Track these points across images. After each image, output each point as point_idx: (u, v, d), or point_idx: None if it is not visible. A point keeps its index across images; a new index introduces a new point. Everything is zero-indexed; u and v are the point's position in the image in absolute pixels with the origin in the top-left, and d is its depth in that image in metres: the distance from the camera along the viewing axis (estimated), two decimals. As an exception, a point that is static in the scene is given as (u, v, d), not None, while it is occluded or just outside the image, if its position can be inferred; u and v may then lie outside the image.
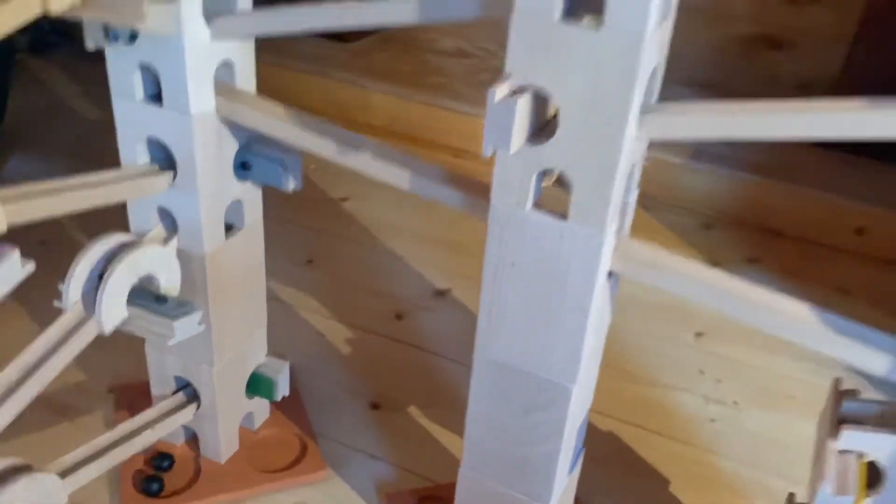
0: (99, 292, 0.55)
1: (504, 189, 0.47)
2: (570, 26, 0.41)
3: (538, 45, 0.42)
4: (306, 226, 1.11)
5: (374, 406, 0.82)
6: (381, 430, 0.79)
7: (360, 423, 0.79)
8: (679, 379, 0.90)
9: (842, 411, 0.48)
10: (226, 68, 0.57)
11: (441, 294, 1.01)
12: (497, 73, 1.06)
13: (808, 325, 0.45)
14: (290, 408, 0.78)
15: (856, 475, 0.45)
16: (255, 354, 0.72)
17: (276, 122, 0.55)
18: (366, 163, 0.54)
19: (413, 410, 0.82)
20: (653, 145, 1.35)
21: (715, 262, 1.14)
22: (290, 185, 0.61)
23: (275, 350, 0.75)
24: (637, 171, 0.49)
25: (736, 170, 1.22)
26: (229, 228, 0.63)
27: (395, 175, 0.53)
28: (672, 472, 0.77)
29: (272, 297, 0.94)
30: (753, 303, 0.46)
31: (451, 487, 0.64)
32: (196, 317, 0.59)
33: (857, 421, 0.47)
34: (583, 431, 0.59)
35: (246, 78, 0.58)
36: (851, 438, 0.46)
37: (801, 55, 1.35)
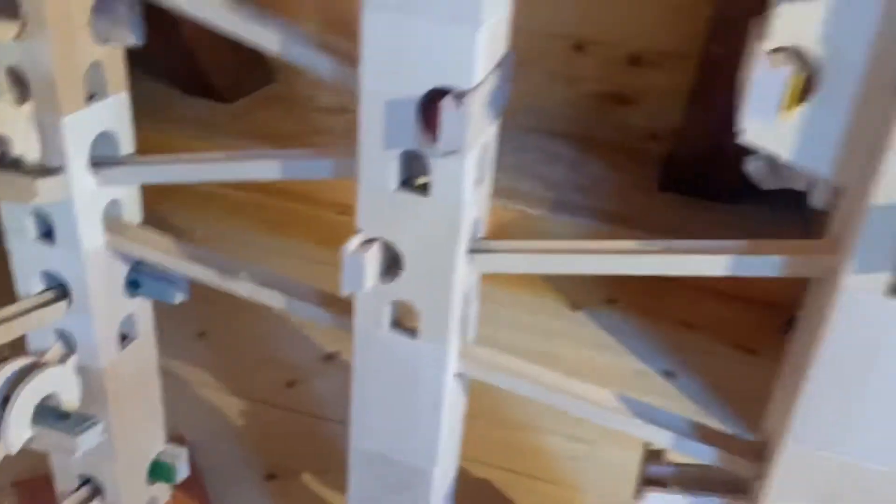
0: (5, 416, 0.60)
1: (363, 315, 0.56)
2: (404, 194, 0.51)
3: (381, 208, 0.51)
4: (198, 297, 1.16)
5: (270, 476, 0.89)
6: (277, 500, 0.86)
7: (257, 495, 0.86)
8: (544, 421, 1.02)
9: (647, 473, 0.59)
10: (113, 205, 0.63)
11: (330, 357, 1.09)
12: None
13: (613, 410, 0.57)
14: (190, 486, 0.84)
15: (654, 529, 0.57)
16: (154, 445, 0.78)
17: (161, 253, 0.62)
18: (245, 288, 0.61)
19: (307, 478, 0.90)
20: (514, 197, 1.46)
21: (577, 304, 1.28)
22: (178, 299, 0.68)
23: (171, 426, 0.81)
24: (474, 291, 0.59)
25: (591, 219, 1.36)
26: (124, 337, 0.70)
27: (272, 298, 0.61)
28: (538, 511, 0.88)
29: (166, 373, 0.99)
30: (569, 395, 0.57)
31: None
32: (98, 428, 0.65)
33: (659, 482, 0.58)
34: (450, 500, 0.69)
35: (132, 211, 0.65)
36: (652, 499, 0.57)
37: (646, 109, 1.51)
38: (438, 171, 0.49)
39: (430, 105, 0.47)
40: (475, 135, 0.47)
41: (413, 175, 0.52)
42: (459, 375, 0.60)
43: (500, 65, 0.49)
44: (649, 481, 0.58)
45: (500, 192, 1.59)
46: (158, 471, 0.78)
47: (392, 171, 0.50)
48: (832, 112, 0.42)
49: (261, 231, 1.37)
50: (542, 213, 1.37)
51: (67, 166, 0.56)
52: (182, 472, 0.79)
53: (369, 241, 0.53)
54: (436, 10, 0.45)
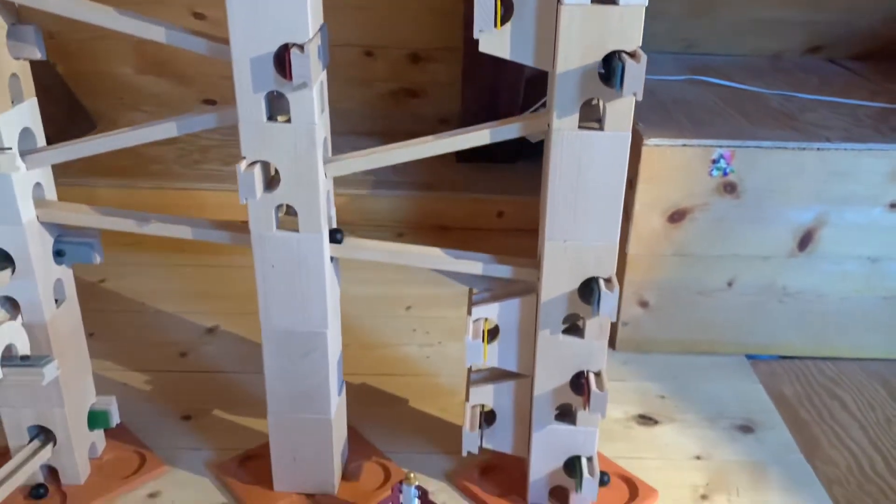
0: (-23, 363, 0.76)
1: (257, 221, 0.79)
2: (273, 124, 0.74)
3: (257, 136, 0.74)
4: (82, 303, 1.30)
5: (186, 417, 1.07)
6: (196, 432, 1.04)
7: (179, 432, 1.04)
8: (400, 338, 1.27)
9: (473, 299, 0.86)
10: (37, 188, 0.81)
11: (211, 331, 1.27)
12: (205, 152, 1.44)
13: (441, 257, 0.83)
14: (122, 436, 1.00)
15: (482, 330, 0.83)
16: (88, 396, 0.94)
17: (84, 216, 0.81)
18: (156, 227, 0.81)
19: (217, 412, 1.08)
20: (340, 185, 1.71)
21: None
22: (97, 259, 0.86)
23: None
24: (331, 195, 0.83)
25: (406, 190, 1.63)
26: (55, 301, 0.86)
27: (180, 231, 0.82)
28: (408, 394, 1.13)
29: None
30: (412, 254, 0.83)
31: (264, 447, 0.93)
32: (55, 363, 0.81)
33: (481, 302, 0.85)
34: (341, 367, 0.92)
35: (50, 191, 0.83)
36: (477, 311, 0.84)
37: (432, 99, 1.82)
38: (294, 103, 0.73)
39: (281, 58, 0.71)
40: (315, 72, 0.72)
41: (275, 115, 0.76)
42: (333, 259, 0.84)
43: (321, 29, 0.75)
44: (475, 303, 0.85)
45: (328, 179, 1.82)
46: (96, 418, 0.94)
47: (262, 108, 0.73)
48: (525, 23, 0.71)
49: (123, 250, 1.51)
50: (367, 193, 1.63)
51: (7, 152, 0.74)
52: (115, 417, 0.95)
53: (253, 163, 0.75)
54: (275, -6, 0.69)
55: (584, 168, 0.75)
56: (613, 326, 1.25)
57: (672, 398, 1.14)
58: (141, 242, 1.55)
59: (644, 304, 1.21)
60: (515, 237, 1.63)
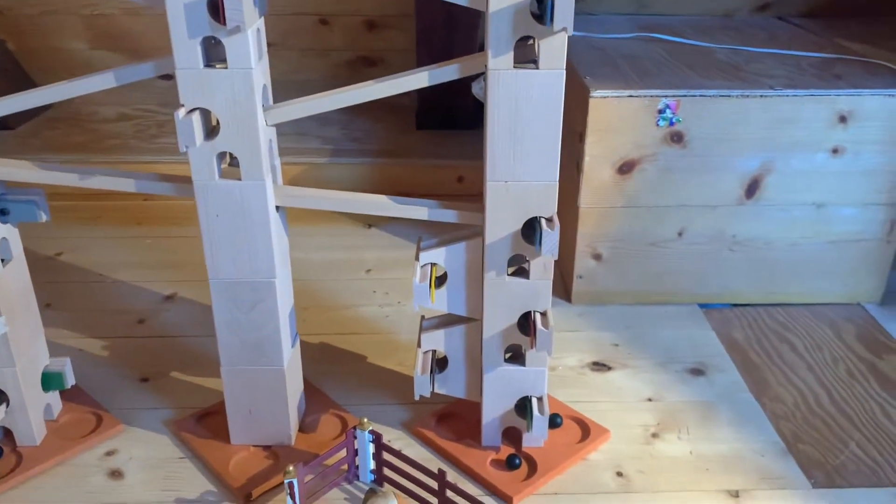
0: (-79, 320, 0.75)
1: (199, 170, 0.79)
2: (210, 70, 0.74)
3: (195, 83, 0.75)
4: (34, 281, 1.29)
5: (144, 380, 1.07)
6: (153, 393, 1.04)
7: (136, 393, 1.04)
8: (361, 300, 1.27)
9: (421, 246, 0.87)
10: (-24, 144, 0.81)
11: (169, 298, 1.27)
12: (161, 126, 1.44)
13: (387, 204, 0.84)
14: (79, 398, 1.00)
15: (430, 275, 0.84)
16: (41, 358, 0.94)
17: (26, 171, 0.81)
18: (100, 181, 0.81)
19: (175, 374, 1.08)
20: (300, 154, 1.72)
21: (370, 223, 1.55)
22: (43, 217, 0.86)
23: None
24: (274, 146, 0.84)
25: (365, 158, 1.64)
26: (2, 261, 0.86)
27: (123, 184, 0.82)
28: (367, 351, 1.14)
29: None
30: (357, 202, 0.83)
31: (222, 404, 0.93)
32: (2, 320, 0.81)
33: (428, 248, 0.86)
34: (293, 318, 0.92)
35: (-8, 148, 0.83)
36: (424, 256, 0.85)
37: (390, 67, 1.82)
38: (230, 48, 0.73)
39: (214, 4, 0.71)
40: (250, 17, 0.72)
41: (213, 63, 0.76)
42: (279, 208, 0.84)
43: (256, -26, 0.75)
44: (423, 250, 0.86)
45: (288, 151, 1.85)
46: (50, 379, 0.94)
47: (198, 55, 0.73)
48: (456, -36, 0.72)
49: (80, 224, 1.51)
50: (326, 161, 1.63)
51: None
52: (70, 378, 0.95)
53: (192, 111, 0.75)
54: (205, -62, 0.69)
55: (522, 107, 0.76)
56: (569, 279, 1.27)
57: (626, 346, 1.16)
58: (99, 217, 1.56)
59: (598, 257, 1.23)
60: (477, 201, 1.64)
